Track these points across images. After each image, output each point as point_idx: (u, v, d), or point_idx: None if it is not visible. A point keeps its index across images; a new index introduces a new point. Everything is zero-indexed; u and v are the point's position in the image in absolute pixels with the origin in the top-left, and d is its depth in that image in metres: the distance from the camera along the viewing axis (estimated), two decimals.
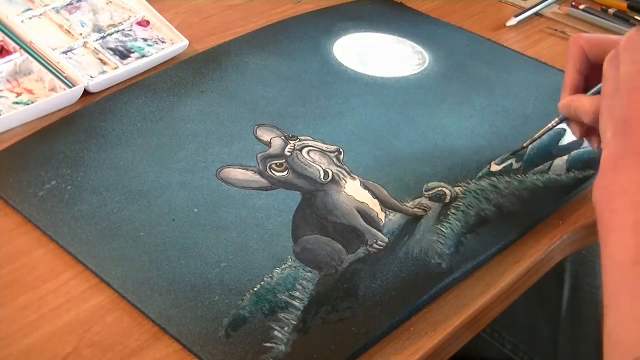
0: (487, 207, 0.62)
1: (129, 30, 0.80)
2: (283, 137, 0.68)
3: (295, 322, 0.52)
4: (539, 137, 0.67)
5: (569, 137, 0.69)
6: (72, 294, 0.54)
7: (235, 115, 0.71)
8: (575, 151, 0.68)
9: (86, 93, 0.72)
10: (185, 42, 0.79)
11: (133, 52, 0.77)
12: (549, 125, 0.65)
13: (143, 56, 0.77)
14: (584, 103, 0.58)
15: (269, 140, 0.68)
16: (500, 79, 0.79)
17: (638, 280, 0.41)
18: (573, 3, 0.93)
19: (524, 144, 0.67)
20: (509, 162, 0.67)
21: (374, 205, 0.61)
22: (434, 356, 0.53)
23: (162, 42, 0.79)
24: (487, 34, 0.88)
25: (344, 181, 0.63)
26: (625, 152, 0.45)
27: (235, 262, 0.56)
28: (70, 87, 0.71)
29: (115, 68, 0.75)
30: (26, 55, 0.74)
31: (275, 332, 0.51)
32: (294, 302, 0.53)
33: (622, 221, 0.44)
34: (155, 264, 0.55)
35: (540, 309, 0.84)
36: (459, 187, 0.64)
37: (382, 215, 0.60)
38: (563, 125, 0.65)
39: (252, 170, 0.64)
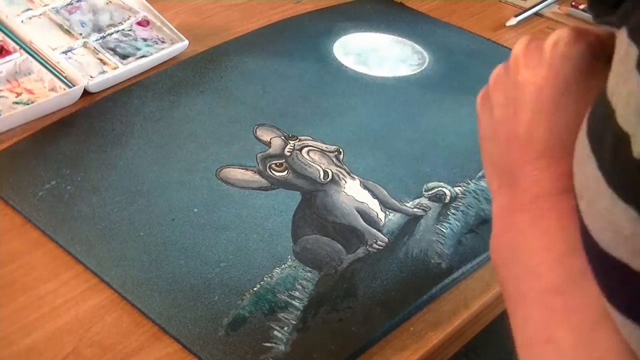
0: (487, 207, 0.62)
1: (129, 30, 0.80)
2: (283, 137, 0.68)
3: (295, 322, 0.52)
4: None
5: None
6: (72, 294, 0.54)
7: (235, 115, 0.71)
8: None
9: (86, 93, 0.72)
10: (185, 42, 0.79)
11: (131, 56, 0.77)
12: None
13: (143, 56, 0.77)
14: None
15: (268, 140, 0.68)
16: None
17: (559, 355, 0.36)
18: (573, 3, 0.93)
19: None
20: None
21: (374, 206, 0.61)
22: (434, 356, 0.53)
23: (162, 42, 0.79)
24: (487, 34, 0.88)
25: (343, 181, 0.63)
26: (513, 208, 0.41)
27: (235, 262, 0.56)
28: (70, 87, 0.71)
29: (115, 68, 0.75)
30: (26, 55, 0.74)
31: (275, 332, 0.51)
32: (293, 302, 0.53)
33: (523, 291, 0.39)
34: (155, 264, 0.55)
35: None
36: (459, 187, 0.64)
37: (382, 216, 0.60)
38: None
39: (252, 170, 0.64)
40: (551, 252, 0.38)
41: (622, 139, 0.29)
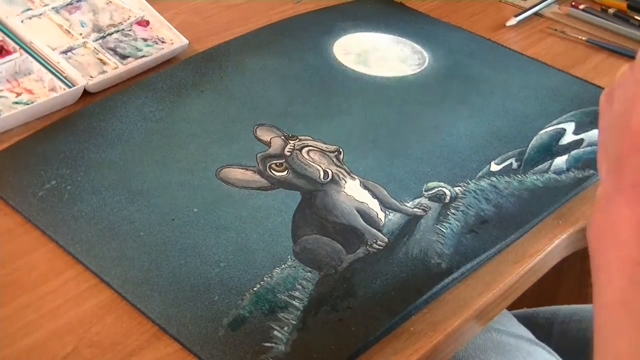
0: (486, 207, 0.62)
1: (129, 30, 0.80)
2: (283, 137, 0.68)
3: (295, 322, 0.52)
4: None
5: (569, 137, 0.69)
6: (72, 294, 0.54)
7: (235, 115, 0.71)
8: (575, 151, 0.68)
9: (86, 93, 0.72)
10: (185, 42, 0.79)
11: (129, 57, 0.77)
12: None
13: (143, 56, 0.77)
14: None
15: (268, 140, 0.68)
16: (500, 79, 0.79)
17: (625, 321, 0.41)
18: (573, 3, 0.93)
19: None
20: (508, 162, 0.67)
21: (374, 205, 0.61)
22: (434, 356, 0.53)
23: (162, 42, 0.79)
24: (487, 34, 0.88)
25: (343, 181, 0.63)
26: (616, 190, 0.45)
27: (235, 262, 0.56)
28: (70, 87, 0.71)
29: (115, 68, 0.75)
30: (26, 55, 0.74)
31: (275, 332, 0.51)
32: (293, 302, 0.53)
33: (609, 260, 0.43)
34: (155, 264, 0.55)
35: None
36: (459, 187, 0.64)
37: (382, 215, 0.60)
38: (563, 125, 0.65)
39: (252, 170, 0.64)
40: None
41: None
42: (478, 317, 0.56)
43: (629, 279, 0.41)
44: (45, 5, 0.81)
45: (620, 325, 0.41)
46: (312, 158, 0.65)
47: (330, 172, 0.64)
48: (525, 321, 0.79)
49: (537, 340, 0.75)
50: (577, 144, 0.69)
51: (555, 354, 0.74)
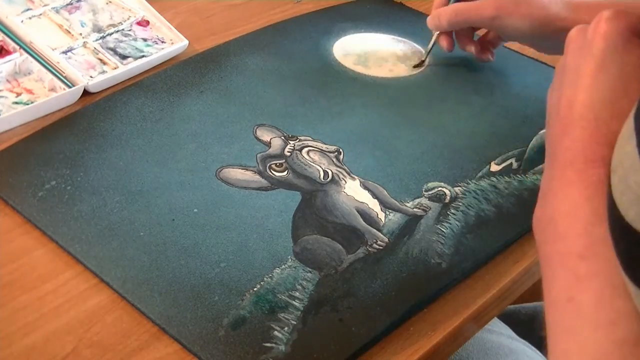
0: (487, 207, 0.62)
1: (129, 30, 0.80)
2: (283, 138, 0.68)
3: (295, 322, 0.52)
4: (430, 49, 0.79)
5: None
6: (72, 294, 0.54)
7: (235, 116, 0.71)
8: None
9: (86, 93, 0.72)
10: (185, 42, 0.79)
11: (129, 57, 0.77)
12: (431, 41, 0.79)
13: (143, 56, 0.77)
14: (445, 9, 0.74)
15: (268, 140, 0.68)
16: (500, 79, 0.79)
17: (573, 319, 0.39)
18: None
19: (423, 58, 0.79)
20: (508, 162, 0.67)
21: (374, 206, 0.61)
22: (434, 356, 0.53)
23: (162, 42, 0.79)
24: None
25: (343, 181, 0.63)
26: (552, 177, 0.44)
27: (235, 262, 0.56)
28: (70, 87, 0.71)
29: (115, 68, 0.75)
30: (26, 55, 0.74)
31: (275, 332, 0.51)
32: (294, 302, 0.53)
33: (551, 254, 0.42)
34: (155, 264, 0.55)
35: None
36: (459, 187, 0.64)
37: (382, 216, 0.60)
38: None
39: (252, 171, 0.64)
40: (578, 219, 0.41)
41: None
42: (478, 317, 0.56)
43: (573, 274, 0.40)
44: (45, 5, 0.81)
45: (569, 324, 0.40)
46: (312, 158, 0.65)
47: (330, 173, 0.64)
48: (507, 318, 0.79)
49: (518, 337, 0.75)
50: None
51: (537, 350, 0.74)
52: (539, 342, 0.76)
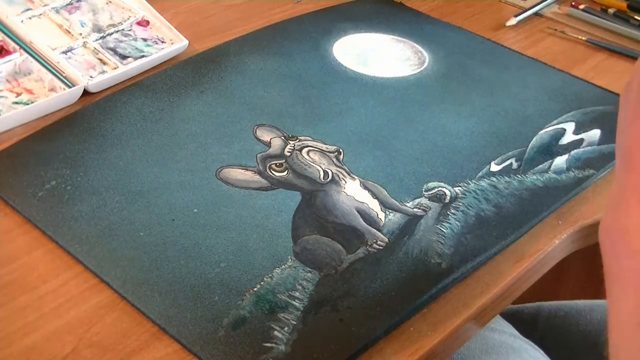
0: (487, 207, 0.62)
1: (129, 30, 0.80)
2: (283, 138, 0.68)
3: (295, 322, 0.52)
4: None
5: (568, 137, 0.69)
6: (72, 294, 0.54)
7: (235, 116, 0.71)
8: (575, 150, 0.68)
9: (86, 93, 0.72)
10: (185, 42, 0.79)
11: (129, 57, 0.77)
12: None
13: (143, 56, 0.77)
14: None
15: (268, 140, 0.68)
16: (500, 79, 0.79)
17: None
18: (573, 3, 0.93)
19: None
20: (508, 162, 0.67)
21: (374, 206, 0.61)
22: (434, 356, 0.53)
23: (162, 42, 0.79)
24: (487, 34, 0.88)
25: (343, 181, 0.63)
26: (627, 187, 0.40)
27: (235, 262, 0.56)
28: (70, 87, 0.71)
29: (115, 68, 0.75)
30: (26, 55, 0.74)
31: (275, 332, 0.51)
32: (294, 302, 0.53)
33: (621, 271, 0.39)
34: (155, 264, 0.55)
35: None
36: (459, 187, 0.64)
37: (382, 216, 0.60)
38: (563, 125, 0.65)
39: (252, 171, 0.64)
40: None
41: None
42: (478, 317, 0.56)
43: None
44: (45, 5, 0.81)
45: (635, 348, 0.37)
46: (312, 158, 0.65)
47: (330, 173, 0.64)
48: (510, 317, 0.78)
49: (521, 336, 0.74)
50: (577, 143, 0.69)
51: (539, 349, 0.74)
52: (541, 341, 0.76)
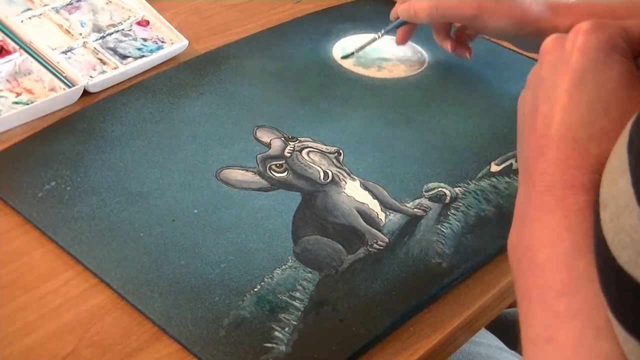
0: (487, 207, 0.62)
1: (129, 30, 0.80)
2: (283, 139, 0.68)
3: (295, 323, 0.52)
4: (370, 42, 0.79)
5: None
6: (72, 294, 0.54)
7: (235, 117, 0.71)
8: None
9: (86, 93, 0.72)
10: (185, 42, 0.79)
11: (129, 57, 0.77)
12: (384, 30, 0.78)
13: (143, 56, 0.77)
14: (422, 3, 0.71)
15: (268, 141, 0.68)
16: (500, 79, 0.79)
17: (551, 359, 0.36)
18: None
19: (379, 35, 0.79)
20: (508, 162, 0.67)
21: (374, 206, 0.61)
22: (434, 356, 0.53)
23: (162, 42, 0.79)
24: None
25: (344, 182, 0.63)
26: (529, 202, 0.40)
27: (235, 263, 0.56)
28: (70, 87, 0.71)
29: (115, 68, 0.75)
30: (26, 55, 0.74)
31: (276, 333, 0.51)
32: (294, 302, 0.53)
33: (529, 288, 0.39)
34: (155, 265, 0.55)
35: None
36: (459, 188, 0.64)
37: (382, 216, 0.61)
38: None
39: (252, 172, 0.64)
40: (557, 251, 0.37)
41: None
42: (478, 318, 0.56)
43: (553, 311, 0.37)
44: (45, 5, 0.81)
45: None
46: (312, 159, 0.65)
47: (330, 173, 0.64)
48: (497, 325, 0.76)
49: (506, 348, 0.73)
50: None
51: None
52: None
